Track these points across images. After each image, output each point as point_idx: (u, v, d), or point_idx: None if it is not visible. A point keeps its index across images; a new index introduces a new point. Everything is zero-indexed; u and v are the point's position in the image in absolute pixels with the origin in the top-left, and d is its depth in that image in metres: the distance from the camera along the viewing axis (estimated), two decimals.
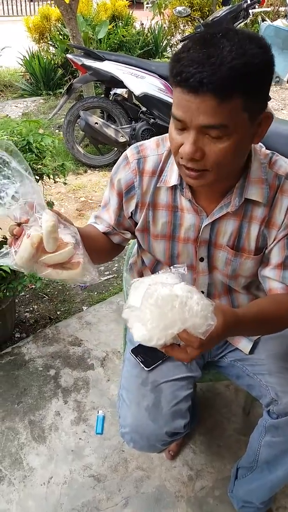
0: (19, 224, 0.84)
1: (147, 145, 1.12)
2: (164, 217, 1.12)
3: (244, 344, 1.29)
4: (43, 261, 0.85)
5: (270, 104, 5.74)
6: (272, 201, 1.05)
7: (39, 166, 1.83)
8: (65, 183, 1.98)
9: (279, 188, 1.04)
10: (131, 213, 1.16)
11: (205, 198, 1.07)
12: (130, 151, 1.13)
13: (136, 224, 1.18)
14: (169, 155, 1.09)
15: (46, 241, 0.82)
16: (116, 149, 4.16)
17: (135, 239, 1.27)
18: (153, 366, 1.24)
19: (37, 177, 1.88)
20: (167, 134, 1.12)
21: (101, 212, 1.23)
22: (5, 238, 1.81)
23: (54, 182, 1.95)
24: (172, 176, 1.07)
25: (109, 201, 1.19)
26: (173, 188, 1.09)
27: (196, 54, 0.80)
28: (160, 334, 0.80)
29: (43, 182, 1.94)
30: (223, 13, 3.80)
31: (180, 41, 5.33)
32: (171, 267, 0.87)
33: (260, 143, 1.07)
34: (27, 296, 2.52)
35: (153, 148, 1.11)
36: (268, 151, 1.08)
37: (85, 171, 4.23)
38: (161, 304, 0.78)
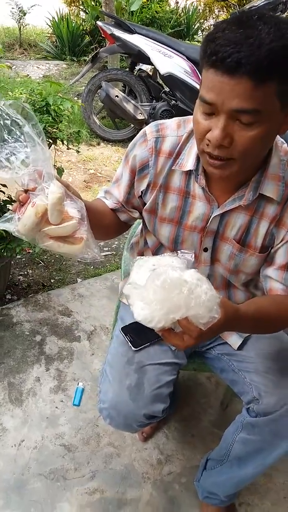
0: (26, 191, 0.83)
1: (168, 124, 1.09)
2: (174, 201, 1.10)
3: (234, 339, 1.28)
4: (46, 231, 0.83)
5: None
6: (286, 200, 1.03)
7: (54, 130, 1.79)
8: (78, 152, 1.95)
9: None
10: (142, 192, 1.13)
11: (218, 188, 1.05)
12: (149, 129, 1.10)
13: (144, 204, 1.15)
14: (189, 138, 1.06)
15: (50, 213, 0.81)
16: (132, 125, 4.10)
17: (141, 219, 1.25)
18: (141, 347, 1.23)
19: (50, 141, 1.85)
20: (189, 117, 1.09)
21: (111, 187, 1.20)
22: (9, 198, 1.79)
23: (67, 149, 1.91)
24: (189, 160, 1.04)
25: (121, 177, 1.17)
26: (188, 173, 1.06)
27: (233, 34, 0.77)
28: (162, 317, 0.79)
29: (55, 147, 1.91)
30: (261, 3, 3.69)
31: (213, 26, 5.20)
32: (179, 251, 0.85)
33: (282, 139, 1.05)
34: (23, 259, 2.51)
35: (173, 128, 1.08)
36: None
37: (98, 144, 4.18)
38: (168, 287, 0.76)
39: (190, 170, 1.04)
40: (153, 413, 1.18)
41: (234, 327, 0.96)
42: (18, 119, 0.81)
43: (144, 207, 1.15)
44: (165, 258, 0.86)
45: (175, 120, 1.09)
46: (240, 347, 1.27)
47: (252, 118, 0.81)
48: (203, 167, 1.02)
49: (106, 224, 1.18)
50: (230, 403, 1.80)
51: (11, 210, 0.86)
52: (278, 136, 0.99)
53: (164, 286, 0.76)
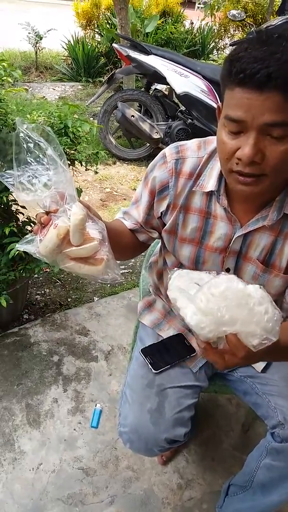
0: (47, 213, 0.83)
1: (188, 146, 1.09)
2: (195, 222, 1.09)
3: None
4: (67, 253, 0.83)
5: None
6: None
7: (72, 152, 1.80)
8: (96, 172, 1.96)
9: None
10: (161, 213, 1.13)
11: (241, 209, 1.04)
12: (169, 150, 1.10)
13: (164, 224, 1.15)
14: (209, 159, 1.06)
15: (72, 234, 0.81)
16: (148, 144, 4.13)
17: (159, 239, 1.25)
18: (162, 369, 1.21)
19: (69, 163, 1.86)
20: (209, 138, 1.09)
21: (130, 208, 1.20)
22: (28, 219, 1.80)
23: (86, 170, 1.93)
24: (210, 181, 1.04)
25: (141, 198, 1.16)
26: (209, 194, 1.06)
27: (258, 52, 0.78)
28: (213, 327, 0.74)
29: (74, 168, 1.93)
30: (280, 22, 3.72)
31: (230, 45, 5.27)
32: (222, 272, 0.82)
33: None
34: (40, 279, 2.51)
35: (193, 149, 1.08)
36: None
37: (114, 163, 4.21)
38: (229, 296, 0.72)
39: (211, 191, 1.04)
40: (175, 437, 1.15)
41: (274, 357, 0.93)
42: (40, 142, 0.82)
43: (164, 228, 1.14)
44: (207, 276, 0.82)
45: (195, 142, 1.09)
46: (264, 370, 1.24)
47: (284, 132, 0.81)
48: (225, 188, 1.02)
49: (124, 244, 1.17)
50: (252, 426, 1.75)
51: (33, 232, 0.86)
52: None
53: (224, 295, 0.72)
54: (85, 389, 1.86)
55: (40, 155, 0.82)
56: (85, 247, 0.83)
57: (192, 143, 1.09)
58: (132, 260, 2.84)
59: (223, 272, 0.83)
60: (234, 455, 1.68)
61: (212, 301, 0.73)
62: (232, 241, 1.06)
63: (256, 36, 0.83)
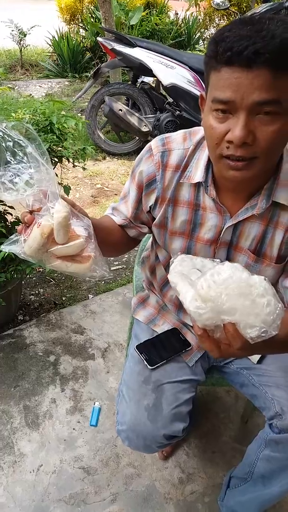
0: (31, 212, 0.81)
1: (174, 137, 1.07)
2: (184, 214, 1.07)
3: None
4: (52, 252, 0.81)
5: None
6: None
7: (59, 148, 1.78)
8: (84, 168, 1.94)
9: None
10: (150, 207, 1.11)
11: (230, 199, 1.02)
12: (154, 143, 1.08)
13: (153, 218, 1.13)
14: (195, 150, 1.04)
15: (56, 233, 0.79)
16: (137, 138, 4.10)
17: (150, 234, 1.23)
18: (157, 365, 1.20)
19: (56, 160, 1.84)
20: (195, 128, 1.07)
21: (119, 203, 1.19)
22: (17, 219, 1.78)
23: (73, 166, 1.90)
24: (197, 173, 1.02)
25: (129, 193, 1.15)
26: (197, 185, 1.04)
27: (243, 31, 0.76)
28: (213, 314, 0.72)
29: (61, 165, 1.90)
30: (263, 10, 3.69)
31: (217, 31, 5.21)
32: (226, 261, 0.79)
33: None
34: (33, 279, 2.49)
35: (179, 141, 1.06)
36: None
37: (104, 158, 4.18)
38: (231, 285, 0.70)
39: (199, 182, 1.02)
40: (173, 433, 1.15)
41: (270, 349, 0.93)
42: (20, 140, 0.80)
43: (154, 222, 1.13)
44: (211, 263, 0.81)
45: (180, 133, 1.07)
46: (260, 361, 1.23)
47: (274, 109, 0.79)
48: (212, 178, 1.00)
49: (115, 240, 1.16)
50: (251, 417, 1.75)
51: (17, 232, 0.84)
52: None
53: (226, 284, 0.70)
54: (83, 388, 1.84)
55: (21, 154, 0.80)
56: (70, 245, 0.81)
57: (178, 135, 1.07)
58: (126, 256, 2.82)
59: (227, 261, 0.81)
60: (235, 447, 1.67)
61: (214, 288, 0.71)
62: (222, 232, 1.04)
63: (239, 19, 0.82)
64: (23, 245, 0.81)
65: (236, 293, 0.69)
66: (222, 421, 1.77)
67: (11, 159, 0.80)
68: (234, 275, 0.70)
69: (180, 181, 1.04)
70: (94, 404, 1.77)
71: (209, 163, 1.00)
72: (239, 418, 1.78)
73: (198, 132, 1.05)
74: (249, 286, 0.70)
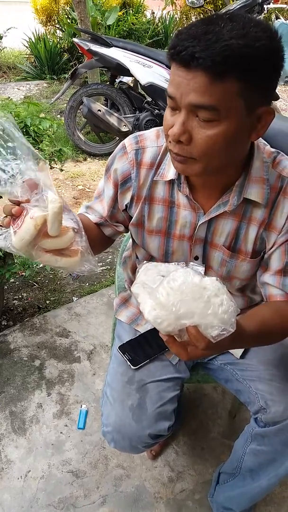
0: (18, 204, 0.78)
1: (147, 135, 1.07)
2: (160, 212, 1.07)
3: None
4: (42, 245, 0.78)
5: (278, 103, 5.69)
6: (274, 203, 1.00)
7: (35, 151, 1.76)
8: (61, 170, 1.92)
9: (281, 190, 0.99)
10: (126, 206, 1.11)
11: (203, 195, 1.02)
12: (128, 141, 1.07)
13: (130, 217, 1.13)
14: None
15: (51, 224, 0.75)
16: (117, 138, 4.09)
17: (125, 233, 1.22)
18: (141, 364, 1.20)
19: None
20: None
21: (93, 202, 1.17)
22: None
23: (50, 168, 1.88)
24: (170, 170, 1.02)
25: (104, 191, 1.14)
26: (171, 182, 1.04)
27: (195, 30, 0.76)
28: (172, 321, 0.74)
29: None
30: (237, 6, 3.70)
31: None
32: (190, 263, 0.81)
33: (264, 141, 1.02)
34: (16, 283, 2.47)
35: (152, 139, 1.06)
36: (272, 150, 1.03)
37: (85, 159, 4.16)
38: (185, 290, 0.72)
39: (172, 180, 1.02)
40: (159, 432, 1.14)
41: (239, 344, 0.93)
42: (10, 131, 0.77)
43: (131, 221, 1.12)
44: (175, 267, 0.82)
45: (153, 131, 1.07)
46: (243, 356, 1.23)
47: (210, 115, 0.79)
48: (185, 176, 1.00)
49: (90, 238, 1.14)
50: (238, 412, 1.76)
51: (4, 225, 0.80)
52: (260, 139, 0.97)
53: (181, 289, 0.73)
54: (69, 391, 1.83)
55: (5, 145, 0.78)
56: (61, 238, 0.79)
57: (151, 133, 1.07)
58: (110, 256, 2.81)
59: (191, 263, 0.82)
60: (223, 443, 1.68)
61: (171, 294, 0.73)
62: (196, 229, 1.04)
63: (207, 17, 0.82)
64: (12, 238, 0.76)
65: (190, 298, 0.72)
66: (210, 417, 1.78)
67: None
68: (187, 280, 0.73)
69: (155, 178, 1.04)
70: (81, 407, 1.76)
71: None
72: (227, 413, 1.79)
73: None
74: (202, 288, 0.72)
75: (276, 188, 0.99)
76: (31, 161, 0.77)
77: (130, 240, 1.35)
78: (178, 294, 0.73)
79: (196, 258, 1.10)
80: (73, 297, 2.40)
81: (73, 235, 0.81)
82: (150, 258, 1.20)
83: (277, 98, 3.85)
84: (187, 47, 0.75)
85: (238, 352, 1.23)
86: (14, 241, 0.76)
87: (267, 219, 1.01)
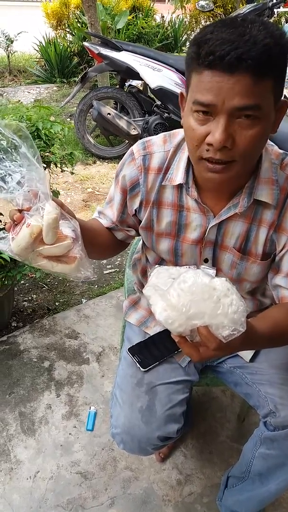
0: (20, 211, 0.81)
1: (154, 141, 1.08)
2: (169, 216, 1.08)
3: (245, 351, 1.24)
4: (39, 251, 0.82)
5: None
6: (283, 204, 1.00)
7: (46, 154, 1.78)
8: (72, 173, 1.94)
9: None
10: (135, 210, 1.12)
11: (212, 198, 1.03)
12: (136, 147, 1.09)
13: (140, 221, 1.14)
14: (176, 152, 1.05)
15: (45, 233, 0.80)
16: (127, 141, 4.11)
17: (138, 237, 1.23)
18: (150, 367, 1.20)
19: (44, 165, 1.84)
20: (175, 131, 1.08)
21: (105, 207, 1.19)
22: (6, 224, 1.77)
23: (61, 171, 1.90)
24: (178, 174, 1.03)
25: (114, 197, 1.15)
26: (179, 186, 1.05)
27: (225, 34, 0.76)
28: (183, 321, 0.75)
29: (50, 170, 1.90)
30: (247, 11, 3.72)
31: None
32: (201, 266, 0.82)
33: (271, 142, 1.03)
34: (26, 285, 2.49)
35: (160, 144, 1.07)
36: (280, 151, 1.04)
37: (94, 162, 4.19)
38: (195, 291, 0.73)
39: (180, 184, 1.03)
40: (168, 434, 1.14)
41: (251, 345, 0.93)
42: (14, 139, 0.80)
43: (140, 225, 1.13)
44: (186, 270, 0.83)
45: (161, 136, 1.08)
46: (252, 359, 1.23)
47: (254, 115, 0.80)
48: (193, 179, 1.01)
49: (102, 242, 1.16)
50: (247, 416, 1.75)
51: (5, 229, 0.84)
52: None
53: (191, 290, 0.74)
54: (78, 393, 1.84)
55: (14, 153, 0.80)
56: (57, 245, 0.82)
57: (158, 138, 1.08)
58: (119, 259, 2.82)
59: (202, 266, 0.83)
60: (232, 446, 1.67)
61: (182, 295, 0.74)
62: (207, 232, 1.05)
63: (220, 20, 0.82)
64: (10, 243, 0.81)
65: (199, 298, 0.73)
66: (218, 421, 1.77)
67: (3, 158, 0.80)
68: (197, 281, 0.74)
69: (163, 183, 1.05)
70: (90, 408, 1.77)
71: (189, 165, 1.01)
72: (235, 417, 1.78)
73: (178, 134, 1.06)
74: (211, 289, 0.73)
75: (285, 190, 1.00)
76: (33, 171, 0.80)
77: (140, 242, 1.36)
78: (188, 295, 0.74)
79: (206, 261, 1.10)
80: (82, 299, 2.41)
81: (70, 243, 0.84)
82: (160, 261, 1.21)
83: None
84: (229, 51, 0.74)
85: (248, 355, 1.23)
86: (12, 246, 0.81)
87: (277, 221, 1.01)
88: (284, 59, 0.80)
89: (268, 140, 0.98)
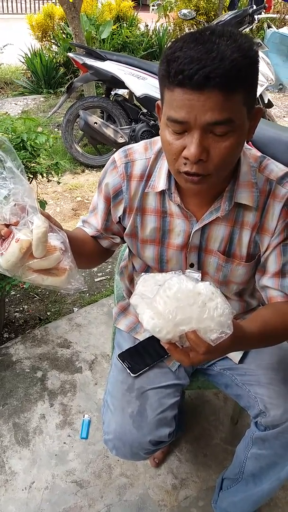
0: (7, 225, 0.81)
1: (135, 148, 1.10)
2: (153, 222, 1.09)
3: (234, 353, 1.26)
4: (29, 265, 0.82)
5: (273, 111, 5.74)
6: (264, 206, 1.03)
7: (32, 165, 1.79)
8: (58, 182, 1.95)
9: (270, 193, 1.02)
10: (119, 218, 1.13)
11: (194, 203, 1.05)
12: (117, 155, 1.10)
13: (124, 229, 1.15)
14: (157, 159, 1.07)
15: (35, 247, 0.80)
16: (114, 149, 4.13)
17: (123, 244, 1.25)
18: (140, 372, 1.21)
19: (31, 176, 1.85)
20: (155, 138, 1.10)
21: (89, 216, 1.20)
22: None
23: (48, 181, 1.92)
24: (160, 181, 1.05)
25: (97, 205, 1.17)
26: (162, 193, 1.06)
27: (193, 51, 0.78)
28: (171, 328, 0.76)
29: (36, 181, 1.91)
30: (228, 18, 3.77)
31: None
32: (186, 271, 0.83)
33: (248, 146, 1.06)
34: (17, 295, 2.49)
35: (141, 152, 1.09)
36: (258, 154, 1.06)
37: (83, 171, 4.20)
38: (180, 297, 0.75)
39: (163, 190, 1.04)
40: (159, 438, 1.15)
41: (241, 346, 0.95)
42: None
43: (125, 232, 1.15)
44: (172, 275, 0.84)
45: (142, 144, 1.10)
46: (241, 360, 1.25)
47: (226, 128, 0.82)
48: (176, 185, 1.02)
49: (88, 252, 1.17)
50: (240, 418, 1.76)
51: None
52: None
53: (176, 297, 0.75)
54: (72, 401, 1.84)
55: (2, 165, 0.81)
56: (47, 258, 0.82)
57: (139, 145, 1.10)
58: (109, 266, 2.83)
59: (188, 270, 0.84)
60: (226, 449, 1.68)
61: (168, 303, 0.75)
62: (191, 237, 1.06)
63: (189, 34, 0.83)
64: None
65: (185, 304, 0.74)
66: (212, 424, 1.78)
67: None
68: (182, 287, 0.75)
69: (146, 190, 1.07)
70: (84, 416, 1.77)
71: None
72: (229, 419, 1.79)
73: (158, 141, 1.07)
74: (196, 294, 0.75)
75: (265, 192, 1.02)
76: (19, 185, 0.80)
77: (127, 250, 1.37)
78: (174, 302, 0.75)
79: (191, 265, 1.12)
80: (74, 308, 2.41)
81: (60, 255, 0.84)
82: (147, 267, 1.22)
83: (271, 105, 3.90)
84: (197, 70, 0.76)
85: (236, 357, 1.25)
86: (1, 261, 0.80)
87: (259, 223, 1.04)
88: (254, 70, 0.82)
89: (246, 144, 1.01)
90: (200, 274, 0.86)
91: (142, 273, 0.90)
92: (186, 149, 0.85)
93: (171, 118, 0.84)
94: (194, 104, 0.79)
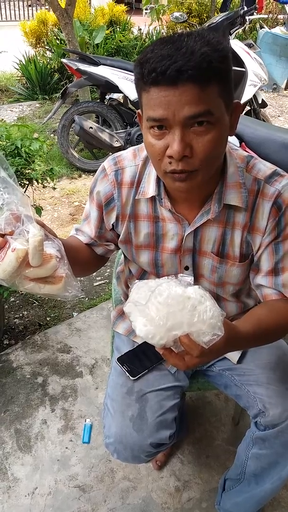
0: (2, 235, 0.81)
1: (124, 155, 1.11)
2: (146, 228, 1.10)
3: (232, 353, 1.26)
4: (26, 274, 0.82)
5: (267, 110, 5.76)
6: (253, 206, 1.03)
7: (27, 171, 1.80)
8: (54, 188, 1.96)
9: (259, 193, 1.02)
10: (113, 225, 1.14)
11: (185, 207, 1.05)
12: (107, 163, 1.11)
13: (118, 235, 1.16)
14: (145, 165, 1.07)
15: (32, 256, 0.79)
16: (110, 153, 4.14)
17: (118, 250, 1.25)
18: (139, 375, 1.22)
19: (26, 182, 1.86)
20: (142, 144, 1.10)
21: (82, 224, 1.20)
22: None
23: (43, 187, 1.92)
24: (149, 187, 1.05)
25: (90, 213, 1.17)
26: (152, 198, 1.07)
27: (164, 50, 0.80)
28: (163, 334, 0.77)
29: (32, 187, 1.92)
30: (220, 19, 3.79)
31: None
32: (179, 275, 0.84)
33: (235, 146, 1.06)
34: (17, 302, 2.49)
35: (130, 158, 1.09)
36: (244, 154, 1.07)
37: (80, 176, 4.21)
38: (171, 303, 0.76)
39: (153, 196, 1.05)
40: (160, 440, 1.15)
41: (236, 346, 0.95)
42: None
43: (119, 239, 1.15)
44: (164, 281, 0.85)
45: (130, 150, 1.11)
46: (240, 360, 1.25)
47: (207, 120, 0.83)
48: (165, 190, 1.03)
49: (83, 259, 1.17)
50: (242, 418, 1.77)
51: None
52: (230, 144, 1.01)
53: (167, 302, 0.76)
54: (73, 406, 1.84)
55: None
56: (44, 267, 0.82)
57: (128, 153, 1.11)
58: (108, 271, 2.83)
59: (180, 274, 0.85)
60: (228, 450, 1.68)
61: (160, 309, 0.76)
62: (184, 240, 1.07)
63: (159, 39, 0.87)
64: None
65: (176, 309, 0.75)
66: (213, 425, 1.78)
67: None
68: (171, 292, 0.76)
69: (136, 197, 1.08)
70: (85, 421, 1.77)
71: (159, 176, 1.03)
72: (230, 420, 1.80)
73: (145, 148, 1.08)
74: (187, 298, 0.76)
75: (253, 192, 1.03)
76: (13, 194, 0.81)
77: (122, 256, 1.38)
78: (165, 307, 0.76)
79: (186, 268, 1.13)
80: (73, 313, 2.42)
81: (56, 263, 0.84)
82: (143, 272, 1.23)
83: (265, 105, 3.91)
84: (169, 65, 0.78)
85: (235, 357, 1.25)
86: None
87: (250, 223, 1.04)
88: (226, 64, 0.84)
89: (232, 144, 1.02)
90: (193, 278, 0.87)
91: (136, 281, 0.91)
92: (169, 148, 0.86)
93: (150, 118, 0.85)
94: (170, 100, 0.81)
